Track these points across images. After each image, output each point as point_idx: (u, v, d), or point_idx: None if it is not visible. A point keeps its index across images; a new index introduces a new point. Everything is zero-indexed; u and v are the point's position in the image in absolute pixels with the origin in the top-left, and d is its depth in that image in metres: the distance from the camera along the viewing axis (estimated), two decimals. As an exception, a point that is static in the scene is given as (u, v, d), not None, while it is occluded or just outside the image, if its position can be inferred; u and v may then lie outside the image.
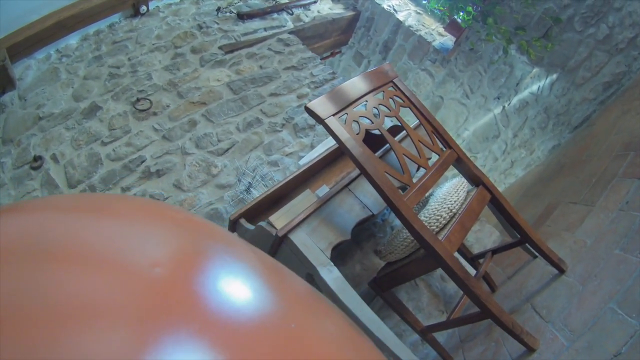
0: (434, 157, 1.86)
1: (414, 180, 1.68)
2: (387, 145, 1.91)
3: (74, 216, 0.55)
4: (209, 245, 0.58)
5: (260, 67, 3.70)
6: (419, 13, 5.19)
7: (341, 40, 5.51)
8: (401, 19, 5.08)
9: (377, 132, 1.73)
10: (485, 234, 2.79)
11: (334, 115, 1.61)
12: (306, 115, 3.20)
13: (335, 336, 0.57)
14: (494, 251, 2.11)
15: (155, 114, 3.27)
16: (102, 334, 0.36)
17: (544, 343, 1.47)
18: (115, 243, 0.49)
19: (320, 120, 1.59)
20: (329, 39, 5.21)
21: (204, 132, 3.17)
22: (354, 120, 1.66)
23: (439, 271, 2.56)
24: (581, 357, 1.26)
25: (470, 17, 4.34)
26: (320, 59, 4.02)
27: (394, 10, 5.16)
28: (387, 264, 1.97)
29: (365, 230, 2.65)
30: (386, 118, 1.77)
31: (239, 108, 3.35)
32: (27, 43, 3.50)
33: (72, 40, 3.79)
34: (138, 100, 3.31)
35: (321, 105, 1.61)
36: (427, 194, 1.95)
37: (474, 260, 2.30)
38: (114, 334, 0.37)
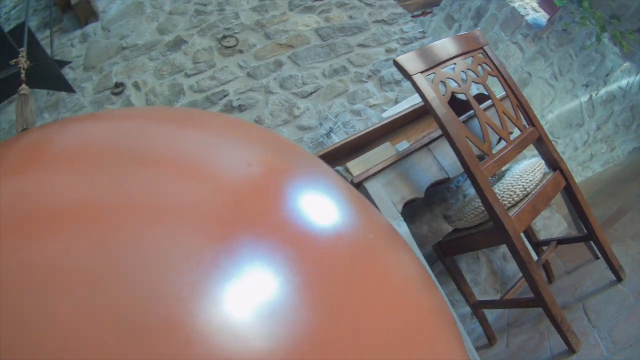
0: (515, 133, 1.82)
1: (494, 152, 1.65)
2: (471, 112, 1.87)
3: (162, 124, 0.57)
4: (297, 161, 0.58)
5: (350, 17, 3.62)
6: (513, -17, 4.96)
7: (433, 1, 5.36)
8: (496, -14, 4.89)
9: (462, 96, 1.70)
10: (554, 223, 2.71)
11: (422, 72, 1.58)
12: (393, 69, 3.17)
13: (409, 267, 0.56)
14: (559, 241, 2.06)
15: (241, 51, 3.29)
16: (179, 230, 0.38)
17: (586, 347, 1.45)
18: (201, 150, 0.51)
19: (407, 76, 1.57)
20: (421, -3, 5.10)
21: (289, 74, 3.18)
22: (440, 81, 1.63)
23: (502, 249, 2.54)
24: (616, 372, 1.24)
25: (566, -4, 4.13)
26: (411, 17, 3.93)
27: (489, -24, 4.97)
28: (454, 230, 1.96)
29: (438, 194, 2.63)
30: (473, 84, 1.74)
31: (326, 54, 3.32)
32: (112, -23, 3.58)
33: (158, -23, 3.84)
34: (224, 37, 3.33)
35: (410, 61, 1.59)
36: (503, 168, 1.92)
37: (538, 245, 2.25)
38: (192, 230, 0.38)
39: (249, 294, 0.35)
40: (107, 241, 0.35)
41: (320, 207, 0.49)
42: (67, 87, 2.28)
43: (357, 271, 0.44)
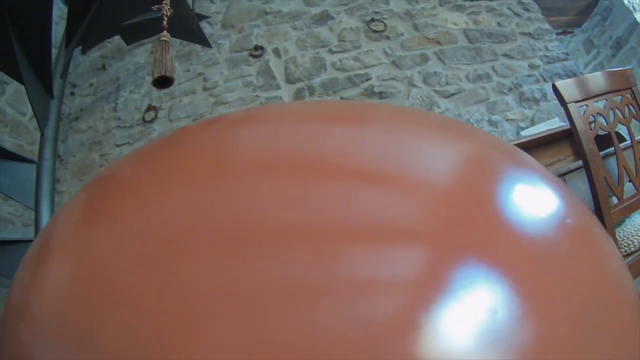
0: None
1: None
2: (607, 150, 1.86)
3: (328, 125, 0.50)
4: (500, 159, 0.50)
5: (498, 24, 3.53)
6: (658, 20, 4.68)
7: (575, 21, 5.13)
8: (639, 19, 4.64)
9: (602, 133, 1.70)
10: (648, 281, 2.66)
11: (576, 102, 1.59)
12: (534, 86, 3.12)
13: (622, 264, 0.47)
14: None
15: (388, 38, 3.29)
16: (385, 253, 0.32)
17: None
18: (397, 152, 0.43)
19: (562, 102, 1.58)
20: (565, 16, 4.89)
21: (434, 70, 3.16)
22: (591, 114, 1.63)
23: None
24: None
25: None
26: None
27: (634, 8, 4.64)
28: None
29: (555, 227, 2.58)
30: (619, 124, 1.73)
31: (472, 58, 3.26)
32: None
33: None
34: (372, 20, 3.34)
35: (568, 88, 1.58)
36: (625, 217, 1.91)
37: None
38: (399, 253, 0.32)
39: (475, 326, 0.29)
40: (306, 262, 0.31)
41: (545, 211, 0.43)
42: (204, 41, 2.39)
43: (586, 278, 0.39)
